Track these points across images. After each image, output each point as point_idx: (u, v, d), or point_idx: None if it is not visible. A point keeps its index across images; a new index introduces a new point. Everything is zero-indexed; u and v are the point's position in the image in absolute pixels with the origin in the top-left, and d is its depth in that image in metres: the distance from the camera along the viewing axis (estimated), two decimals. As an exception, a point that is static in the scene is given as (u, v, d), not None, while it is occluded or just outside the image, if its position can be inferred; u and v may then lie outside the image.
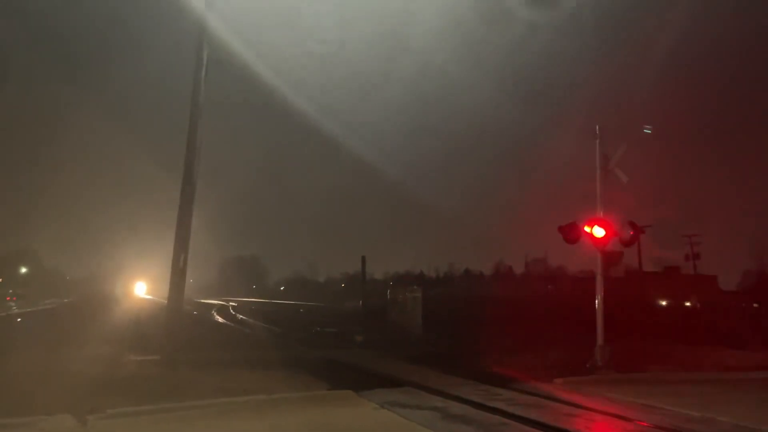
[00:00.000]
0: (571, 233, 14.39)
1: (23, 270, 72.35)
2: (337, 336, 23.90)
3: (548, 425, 8.34)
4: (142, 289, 52.40)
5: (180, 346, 12.64)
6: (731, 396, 11.47)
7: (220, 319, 36.98)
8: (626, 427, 8.74)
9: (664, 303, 49.04)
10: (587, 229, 14.19)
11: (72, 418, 7.70)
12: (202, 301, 71.56)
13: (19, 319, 30.46)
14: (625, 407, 9.83)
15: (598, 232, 13.99)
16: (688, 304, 50.35)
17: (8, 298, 53.88)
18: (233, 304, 61.15)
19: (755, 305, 49.49)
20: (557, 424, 8.40)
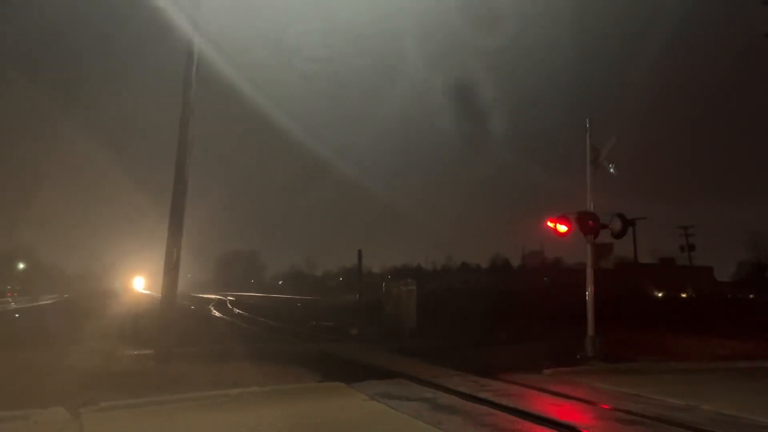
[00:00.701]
0: (561, 226, 14.54)
1: (21, 266, 72.50)
2: (332, 329, 24.05)
3: (533, 414, 8.49)
4: (140, 283, 52.60)
5: (175, 340, 12.79)
6: (718, 385, 11.62)
7: (217, 314, 37.11)
8: (609, 415, 8.89)
9: (659, 294, 49.33)
10: (577, 221, 14.34)
11: (65, 411, 7.85)
12: (201, 295, 71.80)
13: (17, 315, 30.62)
14: (611, 396, 10.00)
15: (587, 224, 14.14)
16: (683, 295, 50.63)
17: (9, 294, 54.17)
18: (231, 298, 61.31)
19: (751, 296, 49.80)
20: (542, 413, 8.55)
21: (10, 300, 47.92)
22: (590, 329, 14.14)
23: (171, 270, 12.48)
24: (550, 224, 14.61)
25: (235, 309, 42.33)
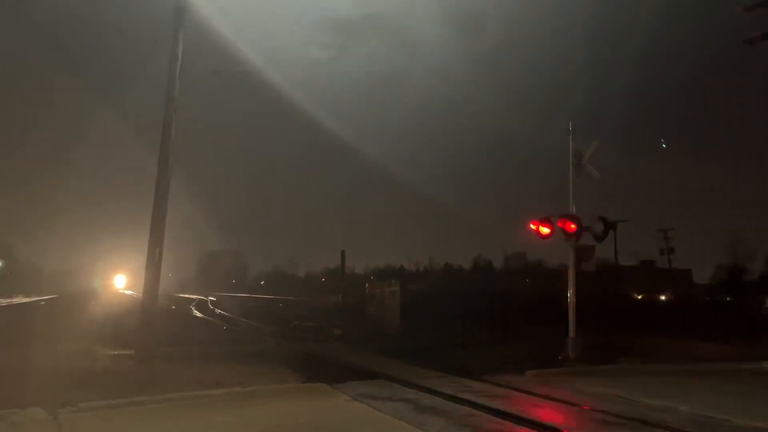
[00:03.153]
0: (543, 228, 14.64)
1: (-1, 263, 71.12)
2: (315, 330, 24.00)
3: (515, 415, 8.55)
4: (122, 281, 51.73)
5: (155, 341, 12.66)
6: (696, 386, 11.80)
7: (198, 314, 36.85)
8: (590, 416, 8.98)
9: (639, 296, 49.95)
10: (559, 224, 14.44)
11: (43, 412, 7.74)
12: (182, 295, 71.13)
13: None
14: (592, 398, 10.09)
15: (569, 227, 14.25)
16: (663, 297, 51.29)
17: None
18: (212, 298, 60.85)
19: (728, 298, 50.58)
20: (523, 414, 8.62)
21: None
22: (572, 331, 14.26)
23: (152, 269, 12.34)
24: (533, 226, 14.70)
25: (216, 309, 42.05)
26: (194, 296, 68.22)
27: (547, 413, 9.06)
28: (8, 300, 45.31)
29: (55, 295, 50.83)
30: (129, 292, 47.24)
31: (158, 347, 12.77)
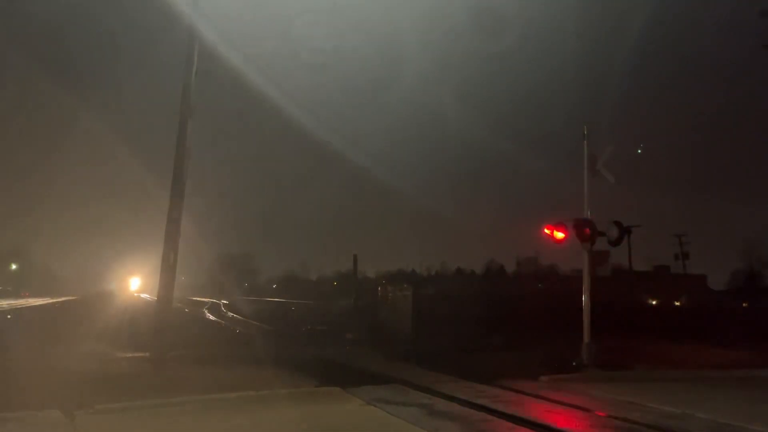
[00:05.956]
0: (557, 233, 14.55)
1: (14, 267, 71.96)
2: (327, 334, 23.99)
3: (530, 421, 8.49)
4: (136, 284, 52.13)
5: (170, 344, 12.73)
6: (713, 393, 11.63)
7: (211, 317, 37.01)
8: (605, 423, 8.89)
9: (653, 302, 49.41)
10: (574, 228, 14.35)
11: (60, 413, 7.80)
12: (195, 298, 71.49)
13: (9, 316, 30.41)
14: (607, 404, 10.00)
15: (584, 232, 14.16)
16: (677, 303, 50.72)
17: (25, 294, 54.22)
18: (225, 301, 61.03)
19: (744, 305, 49.93)
20: (539, 420, 8.56)
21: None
22: (586, 336, 14.14)
23: (167, 273, 12.41)
24: (547, 231, 14.62)
25: (229, 312, 42.20)
26: (207, 299, 68.54)
27: (561, 419, 8.99)
28: (24, 301, 45.77)
29: (74, 297, 51.32)
30: (144, 295, 47.59)
31: (173, 350, 12.85)
